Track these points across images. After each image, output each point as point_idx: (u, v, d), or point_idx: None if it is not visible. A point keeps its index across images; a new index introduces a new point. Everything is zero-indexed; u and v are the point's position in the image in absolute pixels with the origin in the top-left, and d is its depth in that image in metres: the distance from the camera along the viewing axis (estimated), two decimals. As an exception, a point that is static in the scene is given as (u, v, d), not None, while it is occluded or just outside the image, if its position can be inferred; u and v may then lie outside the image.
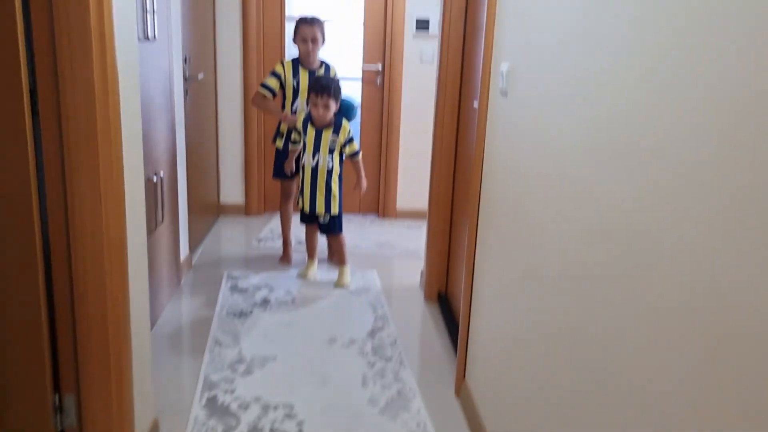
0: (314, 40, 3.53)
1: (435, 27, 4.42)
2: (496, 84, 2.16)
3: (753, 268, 0.86)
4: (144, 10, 2.57)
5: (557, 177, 1.58)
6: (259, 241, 4.27)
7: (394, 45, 4.56)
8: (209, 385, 2.50)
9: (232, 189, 4.77)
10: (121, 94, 1.78)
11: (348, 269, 3.62)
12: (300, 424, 2.28)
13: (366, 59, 4.65)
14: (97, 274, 1.77)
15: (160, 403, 2.32)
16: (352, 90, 4.65)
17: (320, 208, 3.47)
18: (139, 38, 2.35)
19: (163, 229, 3.04)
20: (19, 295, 1.76)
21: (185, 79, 3.54)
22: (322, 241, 3.77)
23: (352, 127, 3.47)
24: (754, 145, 0.86)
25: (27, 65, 1.66)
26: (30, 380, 1.83)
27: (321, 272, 3.72)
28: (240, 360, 2.70)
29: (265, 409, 2.36)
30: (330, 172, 3.43)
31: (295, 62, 3.62)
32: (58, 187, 1.73)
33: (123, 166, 1.80)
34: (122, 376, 1.88)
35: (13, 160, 1.68)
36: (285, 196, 3.83)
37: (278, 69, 3.61)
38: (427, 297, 3.42)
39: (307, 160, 3.44)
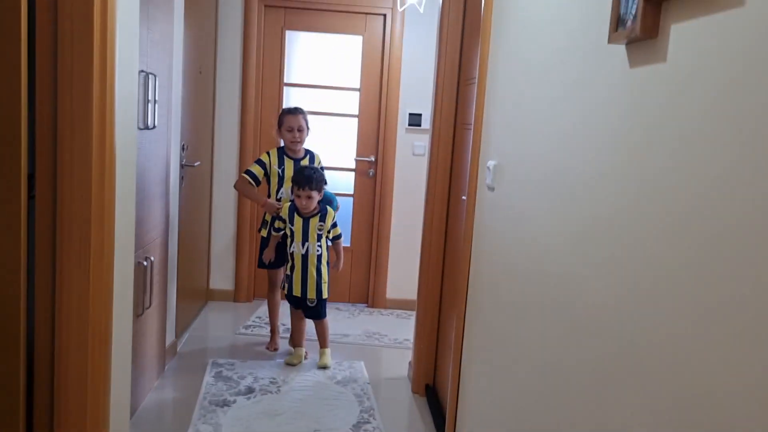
0: (300, 129, 3.64)
1: (427, 121, 4.56)
2: (483, 179, 2.22)
3: (742, 375, 0.87)
4: (146, 101, 2.67)
5: (540, 272, 1.60)
6: (247, 327, 4.23)
7: (387, 138, 4.69)
8: (187, 478, 2.41)
9: (222, 275, 4.76)
10: (117, 180, 1.82)
11: (329, 351, 3.68)
12: None
13: (359, 151, 4.77)
14: (80, 359, 1.75)
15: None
16: (345, 180, 4.75)
17: (311, 293, 3.54)
18: (139, 126, 2.43)
19: (151, 313, 3.02)
20: (-2, 378, 1.74)
21: (182, 166, 3.62)
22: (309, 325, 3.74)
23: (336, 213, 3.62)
24: (734, 250, 0.89)
25: (27, 150, 1.71)
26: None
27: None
28: (220, 452, 2.62)
29: (244, 505, 2.28)
30: (320, 258, 3.54)
31: (281, 151, 3.72)
32: (48, 269, 1.75)
33: (114, 251, 1.82)
34: (97, 466, 1.82)
35: (4, 242, 1.70)
36: (272, 284, 3.84)
37: (264, 157, 3.71)
38: (415, 390, 3.36)
39: (297, 248, 3.51)
